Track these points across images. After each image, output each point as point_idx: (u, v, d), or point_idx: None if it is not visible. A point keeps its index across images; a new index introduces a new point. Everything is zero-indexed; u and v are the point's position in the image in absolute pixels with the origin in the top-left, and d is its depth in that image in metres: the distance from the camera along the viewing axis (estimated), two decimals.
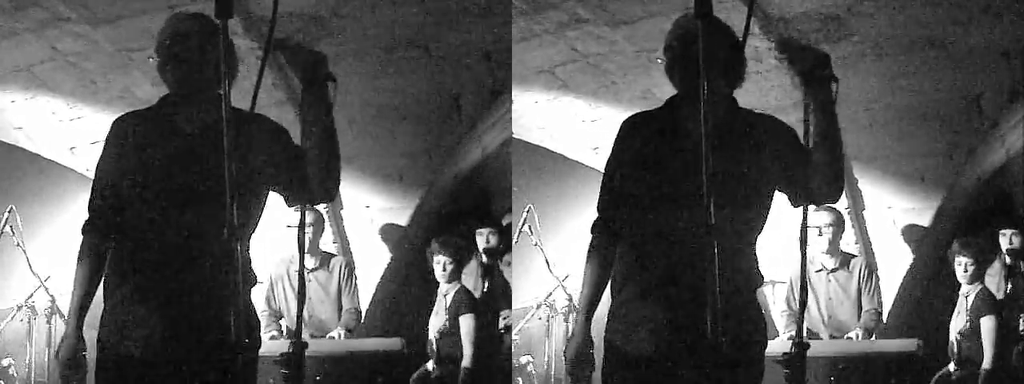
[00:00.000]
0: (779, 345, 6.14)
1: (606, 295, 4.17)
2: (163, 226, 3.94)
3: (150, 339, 3.94)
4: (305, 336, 7.33)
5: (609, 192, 4.12)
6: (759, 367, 4.04)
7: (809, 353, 6.69)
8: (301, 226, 3.59)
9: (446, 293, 7.63)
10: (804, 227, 3.63)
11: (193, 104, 4.00)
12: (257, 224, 4.00)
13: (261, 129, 3.93)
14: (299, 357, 3.54)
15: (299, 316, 3.83)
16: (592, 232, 4.13)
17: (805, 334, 7.03)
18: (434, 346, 7.56)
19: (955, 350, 7.28)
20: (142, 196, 3.97)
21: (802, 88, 3.79)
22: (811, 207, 7.38)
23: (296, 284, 7.53)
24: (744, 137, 3.71)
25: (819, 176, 3.90)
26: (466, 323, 7.58)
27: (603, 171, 4.16)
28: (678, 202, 3.89)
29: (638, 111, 4.22)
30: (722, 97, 3.96)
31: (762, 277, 4.10)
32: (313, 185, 3.84)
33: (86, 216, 4.08)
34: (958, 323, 7.33)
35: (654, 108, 4.16)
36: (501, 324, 7.67)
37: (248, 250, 3.91)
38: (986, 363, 7.21)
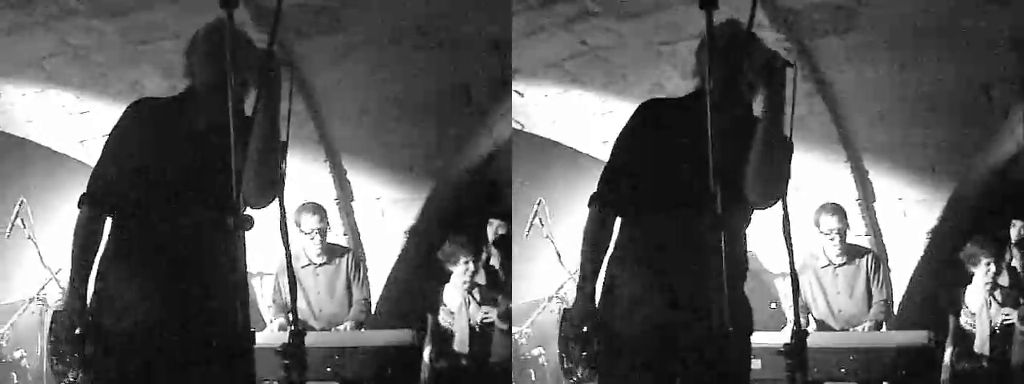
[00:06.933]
0: (782, 337, 6.13)
1: None
2: (164, 214, 4.03)
3: (144, 320, 4.00)
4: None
5: (613, 169, 4.19)
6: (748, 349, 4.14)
7: (819, 345, 6.73)
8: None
9: (471, 289, 7.66)
10: (786, 220, 3.62)
11: (209, 102, 4.05)
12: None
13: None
14: (299, 347, 3.53)
15: (293, 307, 3.86)
16: (590, 205, 4.19)
17: (806, 324, 7.08)
18: (464, 337, 7.59)
19: (988, 345, 7.25)
20: (148, 183, 4.04)
21: (762, 90, 3.82)
22: (823, 214, 7.41)
23: (304, 278, 7.56)
24: (744, 136, 3.72)
25: (752, 177, 3.92)
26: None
27: (611, 149, 4.22)
28: (685, 193, 3.94)
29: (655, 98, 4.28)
30: (743, 100, 4.03)
31: (747, 265, 4.17)
32: (246, 188, 3.81)
33: (84, 190, 4.15)
34: (989, 319, 7.29)
35: (673, 98, 4.22)
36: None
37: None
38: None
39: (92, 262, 4.08)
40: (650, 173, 4.09)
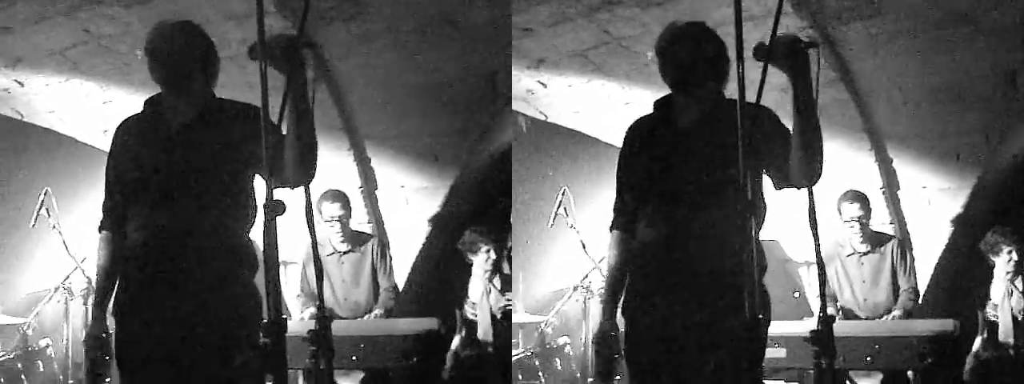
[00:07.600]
0: (807, 325, 6.13)
1: None
2: (160, 214, 4.13)
3: (157, 321, 4.10)
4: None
5: (620, 194, 4.40)
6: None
7: (845, 333, 6.73)
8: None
9: (492, 279, 7.66)
10: (811, 208, 3.64)
11: (180, 100, 4.24)
12: (256, 211, 4.14)
13: (249, 118, 4.08)
14: (326, 333, 3.55)
15: (319, 293, 3.88)
16: (611, 230, 4.41)
17: (832, 311, 7.06)
18: (488, 327, 7.59)
19: (1012, 334, 7.22)
20: (141, 188, 4.17)
21: (788, 76, 3.89)
22: (844, 202, 7.42)
23: (328, 266, 7.56)
24: (732, 125, 3.76)
25: (795, 160, 4.01)
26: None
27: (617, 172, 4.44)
28: (675, 184, 4.17)
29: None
30: (710, 92, 4.23)
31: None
32: (287, 170, 3.92)
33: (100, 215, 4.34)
34: (1010, 308, 7.26)
35: (650, 113, 4.39)
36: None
37: (248, 236, 4.17)
38: None
39: (113, 285, 4.24)
40: (647, 186, 4.27)
